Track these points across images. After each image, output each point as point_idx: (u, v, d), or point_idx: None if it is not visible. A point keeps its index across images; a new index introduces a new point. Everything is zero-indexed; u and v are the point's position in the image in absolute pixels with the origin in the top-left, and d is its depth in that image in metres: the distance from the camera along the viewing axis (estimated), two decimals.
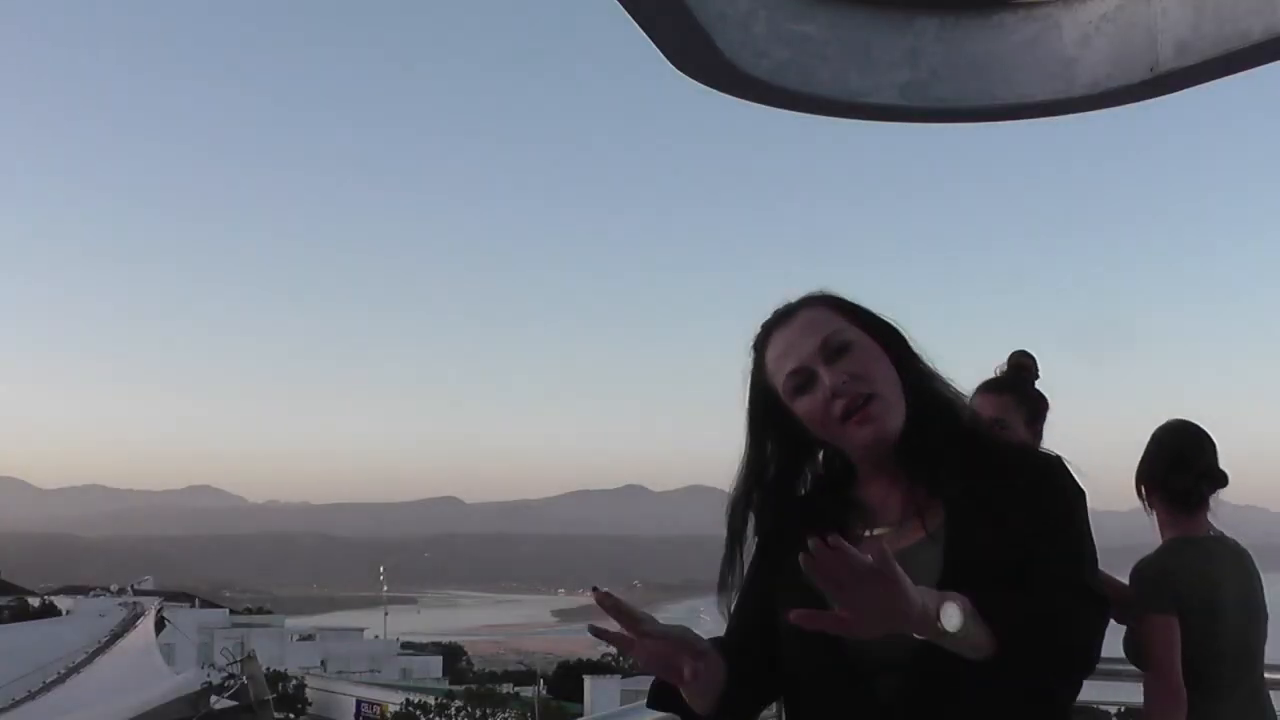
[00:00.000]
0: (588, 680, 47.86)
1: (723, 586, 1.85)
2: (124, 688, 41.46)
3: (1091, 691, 2.37)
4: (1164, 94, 3.60)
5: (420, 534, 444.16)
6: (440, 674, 69.75)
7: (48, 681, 45.57)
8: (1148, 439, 3.34)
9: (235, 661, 48.29)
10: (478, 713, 48.12)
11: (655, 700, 1.76)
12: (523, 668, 71.21)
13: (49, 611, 72.67)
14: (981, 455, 1.72)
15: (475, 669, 74.68)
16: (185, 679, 42.79)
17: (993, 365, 3.33)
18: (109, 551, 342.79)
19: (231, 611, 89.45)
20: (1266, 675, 3.31)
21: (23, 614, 72.09)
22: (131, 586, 74.67)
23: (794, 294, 1.86)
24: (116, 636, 52.31)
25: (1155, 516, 3.30)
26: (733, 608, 1.85)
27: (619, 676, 53.12)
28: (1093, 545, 1.69)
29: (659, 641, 1.59)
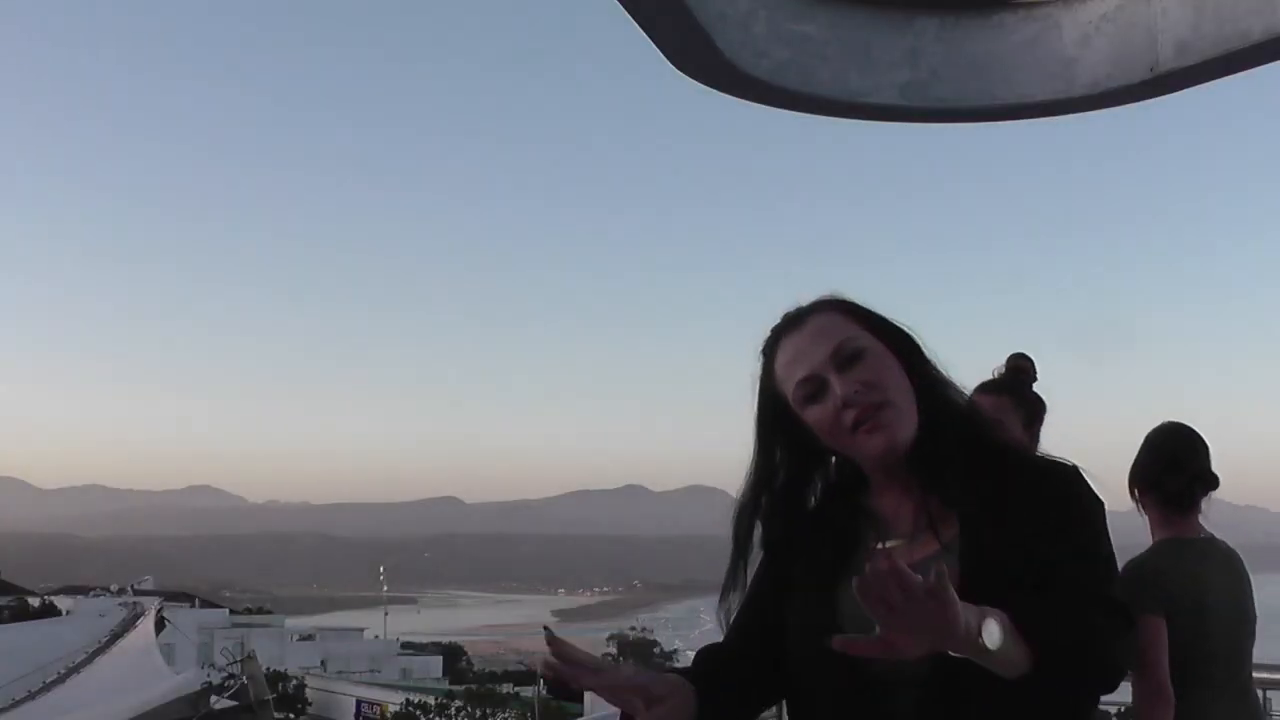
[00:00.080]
0: None
1: (725, 596, 1.82)
2: (124, 688, 41.47)
3: None
4: (1164, 94, 3.60)
5: (420, 534, 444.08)
6: (440, 674, 69.81)
7: (48, 681, 45.57)
8: (1141, 441, 3.37)
9: (235, 661, 48.31)
10: (478, 713, 48.13)
11: None
12: (523, 668, 71.20)
13: (49, 611, 72.69)
14: (997, 465, 1.68)
15: (475, 669, 74.74)
16: (185, 679, 42.80)
17: (991, 367, 3.33)
18: (109, 551, 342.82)
19: (231, 611, 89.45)
20: (1255, 675, 3.34)
21: (23, 614, 72.11)
22: (131, 586, 74.68)
23: (804, 298, 1.80)
24: (116, 636, 52.32)
25: (1148, 518, 3.32)
26: (735, 612, 1.81)
27: None
28: (1113, 556, 1.66)
29: (610, 685, 1.57)
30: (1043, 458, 1.74)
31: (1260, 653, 3.39)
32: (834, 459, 1.80)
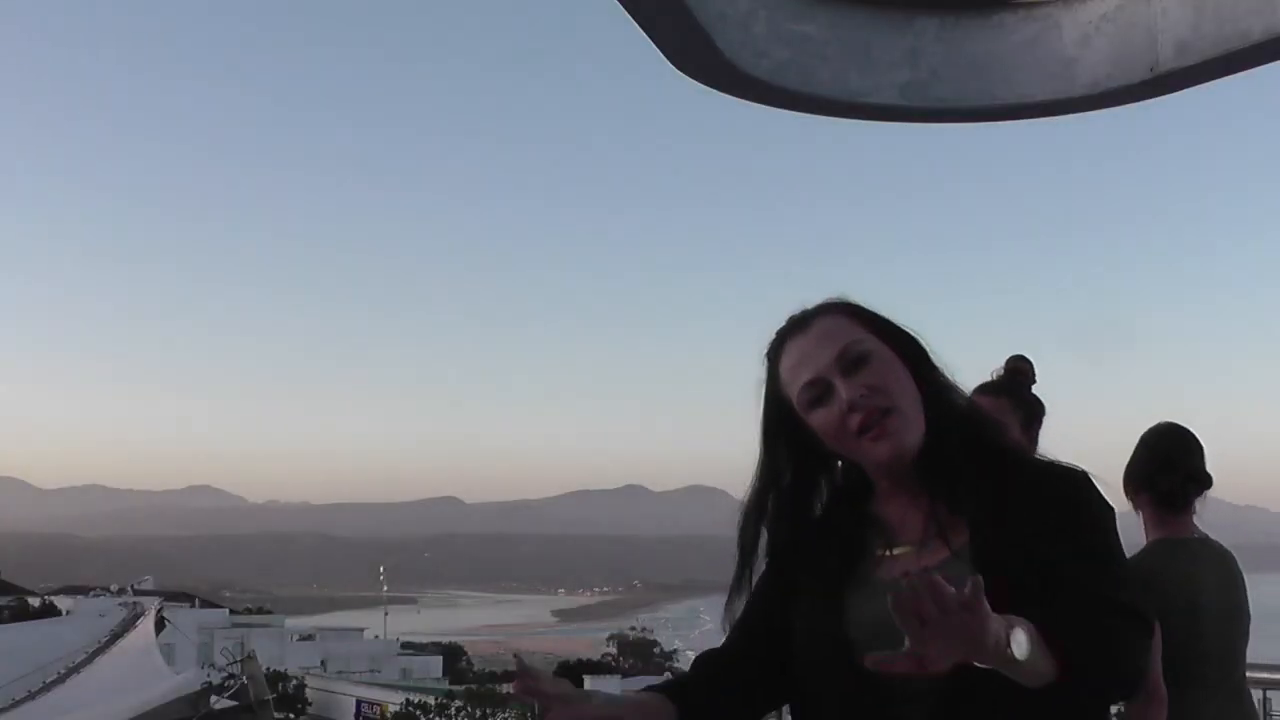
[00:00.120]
0: (588, 680, 47.86)
1: (731, 601, 1.80)
2: (124, 688, 41.46)
3: None
4: (1164, 94, 3.61)
5: (420, 534, 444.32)
6: (440, 674, 69.83)
7: (48, 681, 45.57)
8: (1136, 441, 3.39)
9: (235, 661, 48.28)
10: (478, 713, 48.13)
11: None
12: None
13: (49, 611, 72.69)
14: (1006, 471, 1.66)
15: (475, 669, 74.75)
16: (185, 679, 42.77)
17: (990, 368, 3.33)
18: (109, 551, 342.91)
19: (231, 611, 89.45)
20: (1256, 675, 3.34)
21: (23, 614, 72.12)
22: (131, 586, 74.67)
23: (808, 300, 1.78)
24: (116, 636, 52.31)
25: (1142, 518, 3.33)
26: (737, 615, 1.80)
27: (619, 676, 53.32)
28: (1126, 561, 1.65)
29: (579, 717, 1.59)
30: (1052, 463, 1.71)
31: (1260, 653, 3.40)
32: (839, 464, 1.78)
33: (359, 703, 56.33)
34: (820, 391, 1.68)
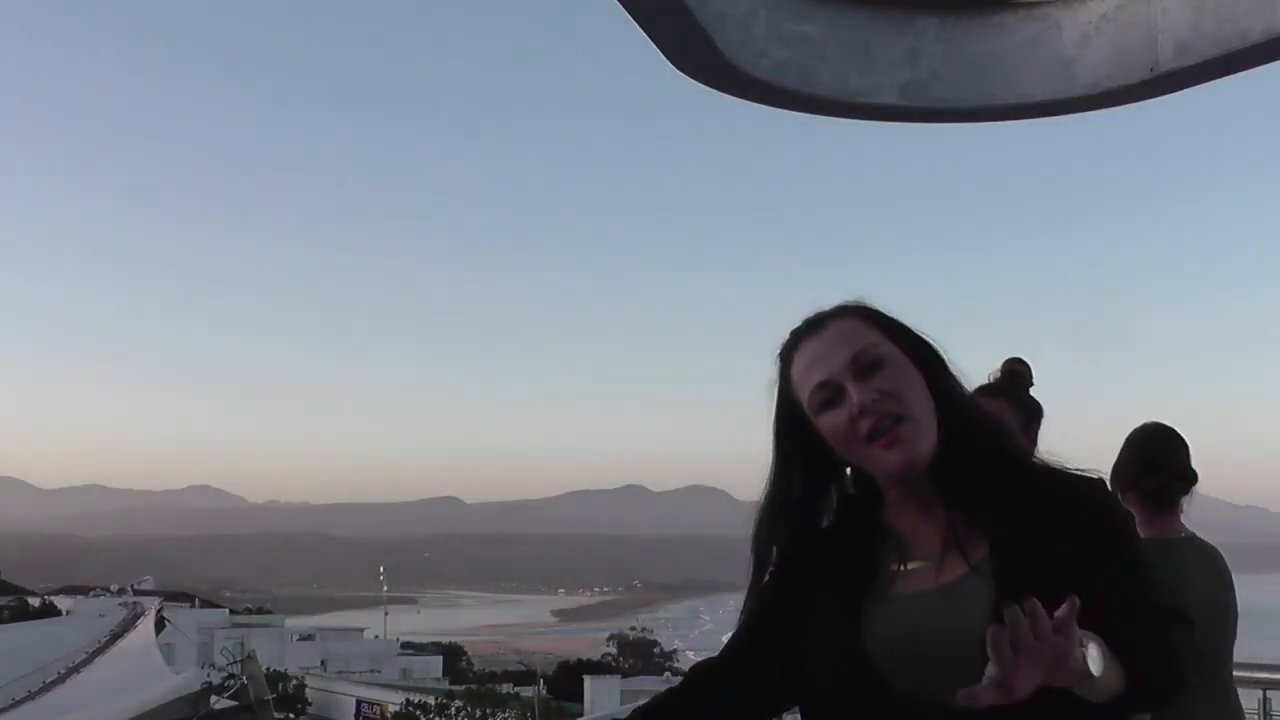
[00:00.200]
0: (588, 680, 47.91)
1: (746, 608, 1.76)
2: (124, 688, 41.47)
3: None
4: (1164, 94, 3.62)
5: (420, 534, 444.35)
6: (440, 674, 69.80)
7: (48, 681, 45.58)
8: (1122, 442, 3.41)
9: (235, 661, 48.27)
10: (478, 713, 48.13)
11: None
12: (523, 668, 71.31)
13: (49, 611, 72.74)
14: (1023, 482, 1.62)
15: (475, 669, 74.76)
16: (185, 679, 42.78)
17: (989, 371, 3.34)
18: (109, 551, 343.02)
19: (231, 611, 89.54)
20: (1256, 675, 3.35)
21: (23, 614, 72.16)
22: (131, 586, 74.68)
23: (816, 301, 1.74)
24: (116, 636, 52.33)
25: None
26: (742, 619, 1.76)
27: (619, 676, 53.29)
28: (1153, 564, 1.63)
29: None
30: (1068, 471, 1.68)
31: (1260, 653, 3.40)
32: (849, 471, 1.73)
33: (359, 703, 56.34)
34: (831, 394, 1.63)
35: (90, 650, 49.66)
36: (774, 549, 1.73)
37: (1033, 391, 3.33)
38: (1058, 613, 1.27)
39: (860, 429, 1.60)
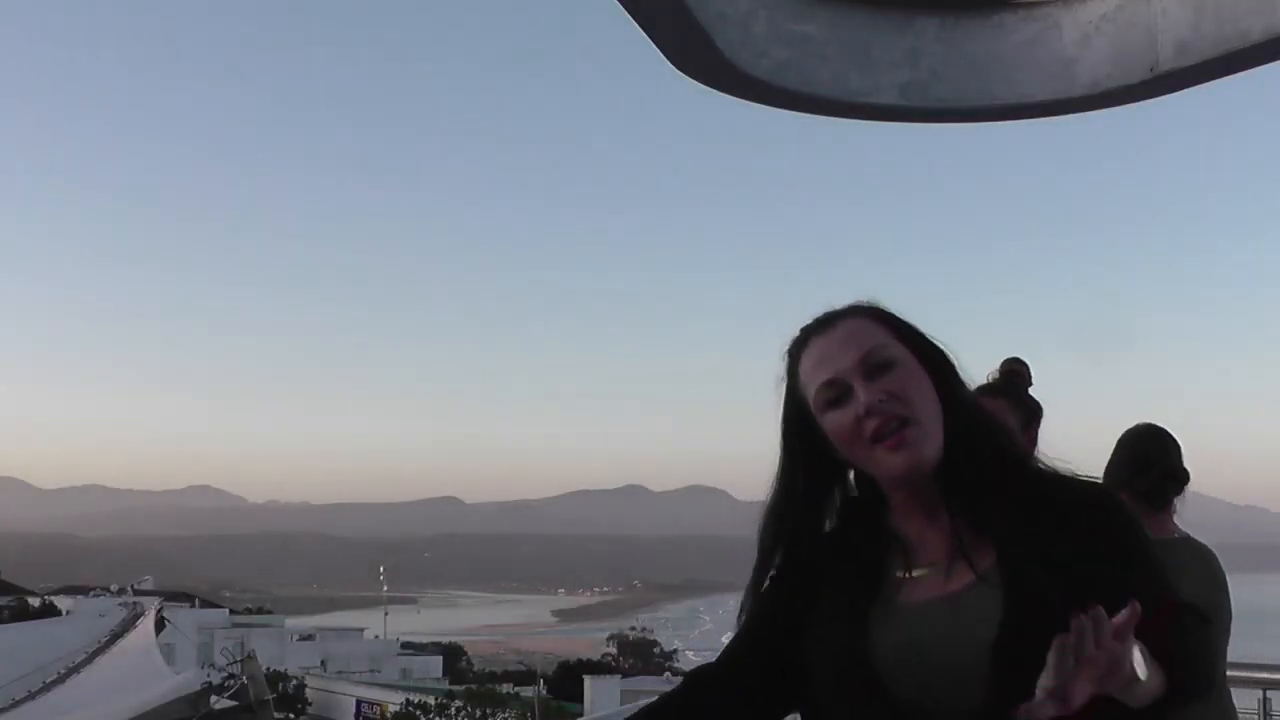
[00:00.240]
0: (588, 680, 47.91)
1: (745, 602, 1.74)
2: (124, 688, 41.50)
3: None
4: (1164, 94, 3.62)
5: (420, 534, 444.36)
6: (440, 674, 69.82)
7: (48, 681, 45.62)
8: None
9: (235, 661, 48.33)
10: (478, 713, 48.15)
11: None
12: (523, 668, 71.32)
13: (49, 611, 72.75)
14: (1030, 490, 1.60)
15: (475, 669, 74.78)
16: (185, 679, 42.82)
17: (987, 371, 3.35)
18: (109, 551, 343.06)
19: (231, 611, 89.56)
20: (1236, 674, 3.35)
21: (23, 614, 72.18)
22: (131, 586, 74.76)
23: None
24: (116, 636, 52.38)
25: None
26: (742, 622, 1.73)
27: (619, 676, 53.30)
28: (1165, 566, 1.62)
29: None
30: (1075, 478, 1.67)
31: (1260, 653, 3.40)
32: (852, 474, 1.71)
33: (359, 703, 56.35)
34: (838, 393, 1.61)
35: (90, 650, 49.70)
36: (779, 548, 1.71)
37: (1032, 391, 3.33)
38: (1117, 620, 1.26)
39: (865, 429, 1.58)
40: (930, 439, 1.58)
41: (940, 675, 1.50)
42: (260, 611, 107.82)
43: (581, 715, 39.45)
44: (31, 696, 44.10)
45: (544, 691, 51.51)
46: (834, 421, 1.61)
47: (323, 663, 69.05)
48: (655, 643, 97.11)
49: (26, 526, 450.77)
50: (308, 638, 78.33)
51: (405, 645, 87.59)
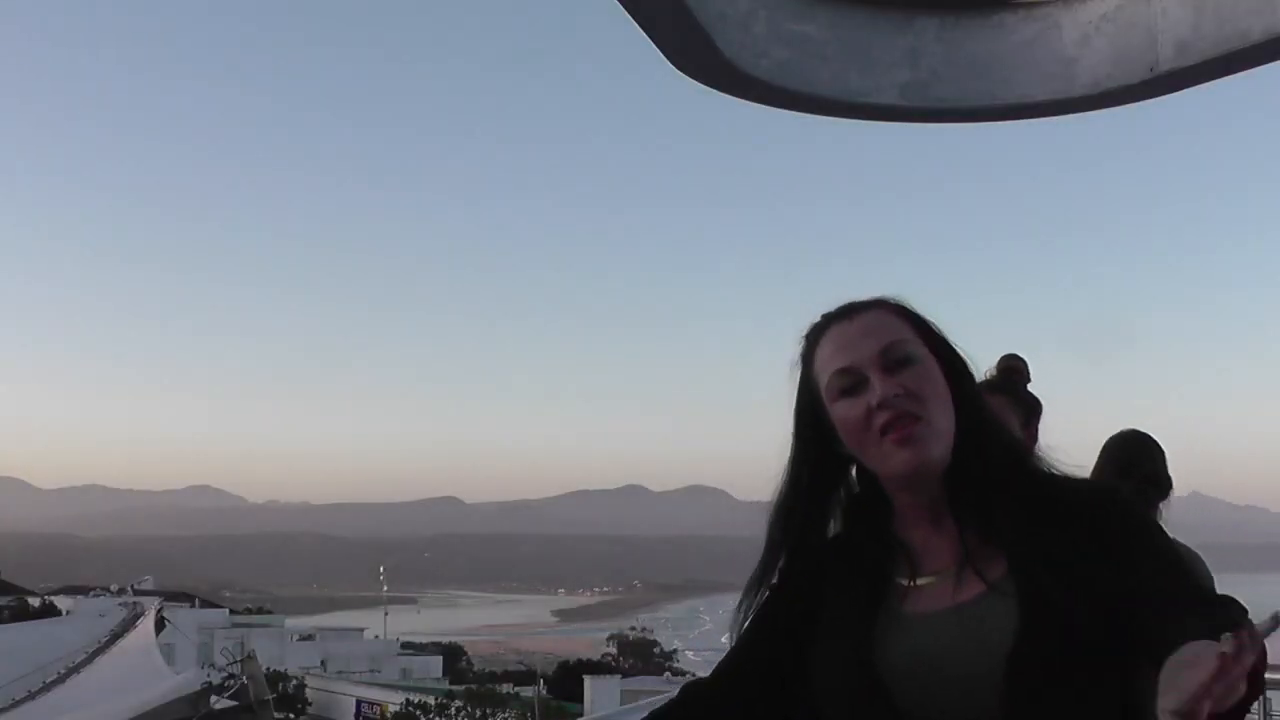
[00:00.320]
0: (588, 680, 47.89)
1: (748, 596, 1.70)
2: (124, 688, 41.47)
3: None
4: (1164, 94, 3.62)
5: (420, 534, 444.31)
6: (440, 674, 69.82)
7: (48, 681, 45.59)
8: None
9: (235, 661, 48.29)
10: (478, 713, 48.15)
11: None
12: (523, 668, 71.29)
13: (49, 611, 72.70)
14: (1041, 497, 1.56)
15: (475, 669, 74.81)
16: (185, 679, 42.78)
17: (987, 369, 3.35)
18: (109, 551, 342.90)
19: (231, 611, 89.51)
20: None
21: (23, 614, 72.14)
22: (131, 586, 74.67)
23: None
24: (116, 636, 52.33)
25: None
26: (744, 627, 1.70)
27: (619, 676, 53.30)
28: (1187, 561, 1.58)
29: None
30: (1084, 482, 1.65)
31: None
32: (855, 476, 1.68)
33: (359, 703, 56.36)
34: (853, 382, 1.57)
35: (90, 650, 49.66)
36: (788, 542, 1.68)
37: (1031, 388, 3.33)
38: (1238, 639, 1.18)
39: (876, 421, 1.55)
40: (940, 440, 1.55)
41: (951, 686, 1.48)
42: (260, 611, 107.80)
43: (581, 715, 39.44)
44: (31, 696, 44.07)
45: (544, 691, 51.50)
46: (845, 410, 1.58)
47: (323, 663, 69.06)
48: (655, 643, 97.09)
49: (26, 526, 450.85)
50: (308, 638, 78.31)
51: (405, 645, 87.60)
